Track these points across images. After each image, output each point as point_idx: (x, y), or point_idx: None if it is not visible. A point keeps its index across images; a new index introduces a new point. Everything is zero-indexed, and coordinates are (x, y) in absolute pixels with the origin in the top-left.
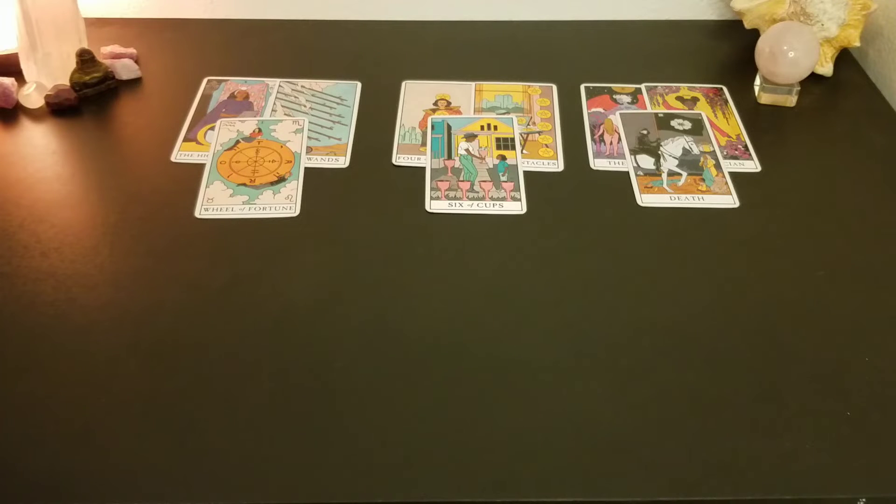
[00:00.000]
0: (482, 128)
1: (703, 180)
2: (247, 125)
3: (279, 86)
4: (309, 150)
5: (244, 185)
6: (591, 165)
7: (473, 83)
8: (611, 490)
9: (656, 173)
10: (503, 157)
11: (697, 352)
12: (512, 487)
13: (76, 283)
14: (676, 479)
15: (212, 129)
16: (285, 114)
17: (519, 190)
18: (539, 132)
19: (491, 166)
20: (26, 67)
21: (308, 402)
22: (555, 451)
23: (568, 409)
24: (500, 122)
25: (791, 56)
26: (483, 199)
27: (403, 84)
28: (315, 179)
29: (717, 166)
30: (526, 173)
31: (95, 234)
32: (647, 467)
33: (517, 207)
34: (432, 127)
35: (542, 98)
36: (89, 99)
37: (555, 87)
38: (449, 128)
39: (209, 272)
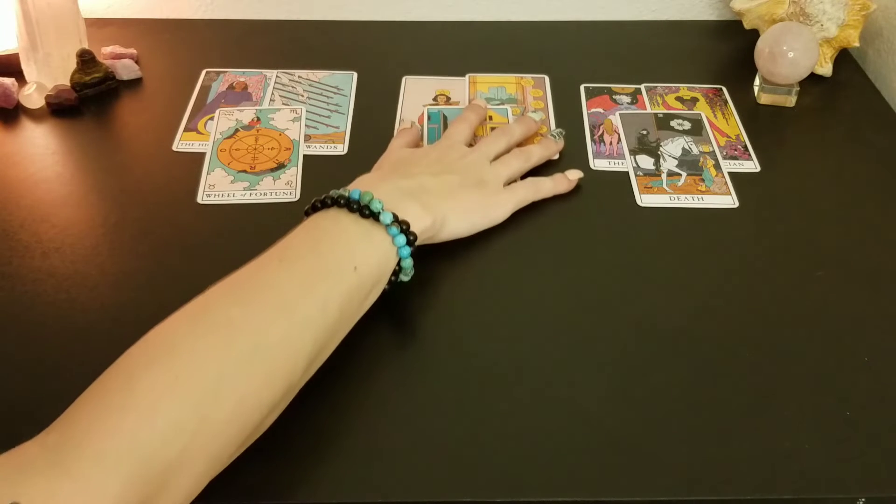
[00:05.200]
0: None
1: (703, 180)
2: (245, 114)
3: (276, 76)
4: (307, 138)
5: (244, 171)
6: (591, 165)
7: (467, 76)
8: (611, 490)
9: (656, 173)
10: None
11: (697, 351)
12: (512, 487)
13: (76, 283)
14: (676, 479)
15: (211, 118)
16: (283, 103)
17: None
18: (539, 133)
19: None
20: (27, 68)
21: (305, 400)
22: (555, 451)
23: (567, 409)
24: (496, 112)
25: (791, 56)
26: None
27: (403, 80)
28: (314, 166)
29: (717, 166)
30: None
31: (96, 233)
32: (646, 467)
33: None
34: (429, 117)
35: (536, 99)
36: (90, 99)
37: (548, 82)
38: (445, 118)
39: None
